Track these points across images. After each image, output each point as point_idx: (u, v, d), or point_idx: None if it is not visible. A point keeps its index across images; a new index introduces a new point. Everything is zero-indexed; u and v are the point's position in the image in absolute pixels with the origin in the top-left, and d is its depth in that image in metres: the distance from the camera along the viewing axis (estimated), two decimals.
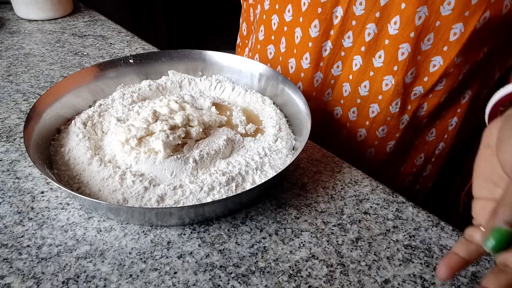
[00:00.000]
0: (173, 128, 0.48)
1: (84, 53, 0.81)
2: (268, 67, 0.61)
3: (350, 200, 0.48)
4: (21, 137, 0.55)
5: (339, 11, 0.58)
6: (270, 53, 0.69)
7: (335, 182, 0.50)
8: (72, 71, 0.74)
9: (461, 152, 0.73)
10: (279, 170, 0.44)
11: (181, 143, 0.47)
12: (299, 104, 0.54)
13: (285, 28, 0.65)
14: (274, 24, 0.67)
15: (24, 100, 0.65)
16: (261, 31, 0.69)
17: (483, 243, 0.27)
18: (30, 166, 0.51)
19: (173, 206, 0.43)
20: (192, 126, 0.50)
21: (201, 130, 0.50)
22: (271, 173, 0.47)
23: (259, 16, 0.69)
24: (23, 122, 0.48)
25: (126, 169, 0.46)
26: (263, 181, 0.45)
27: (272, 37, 0.68)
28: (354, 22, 0.58)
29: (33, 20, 0.96)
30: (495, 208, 0.27)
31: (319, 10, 0.59)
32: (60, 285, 0.37)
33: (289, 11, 0.63)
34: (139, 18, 1.84)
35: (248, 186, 0.46)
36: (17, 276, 0.38)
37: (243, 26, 0.81)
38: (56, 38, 0.88)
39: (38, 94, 0.66)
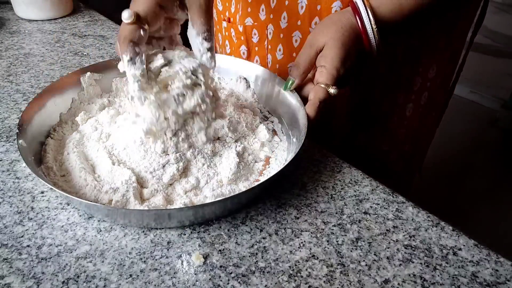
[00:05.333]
0: None
1: (84, 53, 0.81)
2: (265, 69, 0.61)
3: (350, 200, 0.48)
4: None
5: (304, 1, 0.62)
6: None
7: (335, 182, 0.50)
8: (72, 71, 0.74)
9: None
10: (278, 170, 0.44)
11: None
12: (296, 105, 0.54)
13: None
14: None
15: (24, 100, 0.65)
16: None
17: (283, 86, 0.55)
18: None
19: (172, 208, 0.43)
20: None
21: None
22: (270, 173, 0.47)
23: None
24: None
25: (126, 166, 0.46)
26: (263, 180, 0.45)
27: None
28: (319, 7, 0.61)
29: (33, 20, 0.96)
30: (292, 68, 0.53)
31: (286, 2, 0.63)
32: (60, 285, 0.37)
33: (263, 10, 0.66)
34: None
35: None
36: (17, 276, 0.38)
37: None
38: (56, 38, 0.88)
39: (38, 94, 0.66)
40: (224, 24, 0.75)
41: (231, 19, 0.73)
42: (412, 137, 0.75)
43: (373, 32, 0.51)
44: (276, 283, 0.38)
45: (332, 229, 0.44)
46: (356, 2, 0.51)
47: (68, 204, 0.46)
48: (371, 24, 0.51)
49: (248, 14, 0.68)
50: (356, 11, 0.51)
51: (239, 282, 0.38)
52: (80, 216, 0.44)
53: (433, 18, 0.63)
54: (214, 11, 0.78)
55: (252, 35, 0.70)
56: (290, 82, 0.53)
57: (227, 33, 0.76)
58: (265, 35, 0.68)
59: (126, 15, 0.41)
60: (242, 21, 0.70)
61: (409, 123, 0.73)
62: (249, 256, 0.41)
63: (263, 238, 0.43)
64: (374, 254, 0.41)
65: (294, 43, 0.66)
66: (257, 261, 0.40)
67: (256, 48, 0.71)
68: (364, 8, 0.51)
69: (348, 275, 0.39)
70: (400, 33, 0.59)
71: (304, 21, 0.63)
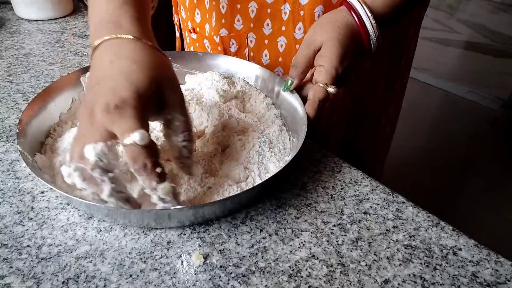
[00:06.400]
0: None
1: (84, 53, 0.81)
2: (264, 69, 0.61)
3: (350, 200, 0.48)
4: None
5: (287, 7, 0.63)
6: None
7: (335, 182, 0.50)
8: (72, 71, 0.74)
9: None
10: (278, 170, 0.44)
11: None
12: (295, 105, 0.54)
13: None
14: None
15: (24, 100, 0.65)
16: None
17: (282, 87, 0.55)
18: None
19: (171, 208, 0.43)
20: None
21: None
22: (270, 173, 0.47)
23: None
24: None
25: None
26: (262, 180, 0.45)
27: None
28: (302, 12, 0.62)
29: (33, 20, 0.96)
30: (290, 68, 0.53)
31: (268, 10, 0.63)
32: (60, 285, 0.37)
33: (238, 20, 0.67)
34: None
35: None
36: (17, 276, 0.38)
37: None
38: (56, 38, 0.88)
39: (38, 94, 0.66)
40: (194, 35, 0.74)
41: (197, 29, 0.73)
42: (390, 121, 0.81)
43: (373, 27, 0.51)
44: (276, 283, 0.38)
45: (332, 229, 0.44)
46: (350, 1, 0.52)
47: (68, 204, 0.46)
48: (370, 20, 0.51)
49: (222, 25, 0.68)
50: (351, 9, 0.51)
51: (239, 282, 0.38)
52: (80, 216, 0.44)
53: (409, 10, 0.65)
54: (178, 20, 0.78)
55: (230, 45, 0.70)
56: (289, 82, 0.53)
57: (198, 44, 0.75)
58: (245, 43, 0.69)
59: (139, 137, 0.36)
60: (216, 32, 0.69)
61: (387, 109, 0.78)
62: (249, 256, 0.41)
63: (263, 238, 0.43)
64: (374, 254, 0.41)
65: (279, 48, 0.67)
66: (257, 261, 0.40)
67: (235, 57, 0.71)
68: (360, 5, 0.51)
69: (348, 275, 0.39)
70: (389, 26, 0.60)
71: (288, 26, 0.65)
